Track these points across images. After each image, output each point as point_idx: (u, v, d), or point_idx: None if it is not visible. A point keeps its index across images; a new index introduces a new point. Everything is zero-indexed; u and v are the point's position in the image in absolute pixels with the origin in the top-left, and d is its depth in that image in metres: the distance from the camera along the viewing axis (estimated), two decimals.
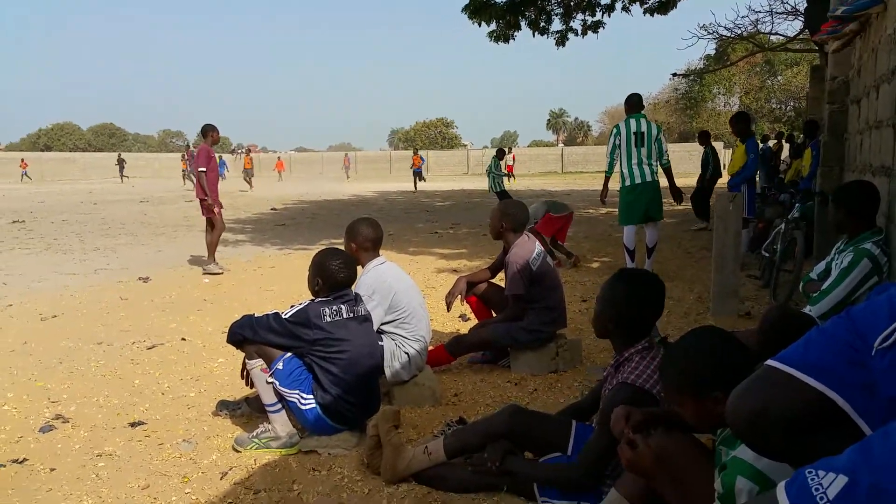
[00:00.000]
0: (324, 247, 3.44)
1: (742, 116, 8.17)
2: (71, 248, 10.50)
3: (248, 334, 3.08)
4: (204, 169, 8.03)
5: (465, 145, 74.36)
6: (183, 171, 32.99)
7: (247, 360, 3.14)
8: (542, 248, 4.23)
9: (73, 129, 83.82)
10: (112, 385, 4.13)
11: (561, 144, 72.79)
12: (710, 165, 11.39)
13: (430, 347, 4.06)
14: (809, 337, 1.46)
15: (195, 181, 8.34)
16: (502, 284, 4.34)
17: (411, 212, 17.13)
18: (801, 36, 16.91)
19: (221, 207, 8.37)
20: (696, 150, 46.33)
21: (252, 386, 3.20)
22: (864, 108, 4.93)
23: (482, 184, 31.63)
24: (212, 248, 8.23)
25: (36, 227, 13.71)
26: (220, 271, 8.09)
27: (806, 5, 7.89)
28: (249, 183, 30.49)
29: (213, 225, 8.28)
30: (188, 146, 34.11)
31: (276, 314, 3.07)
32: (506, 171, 31.19)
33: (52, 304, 6.39)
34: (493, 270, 4.52)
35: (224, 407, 3.60)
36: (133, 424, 3.50)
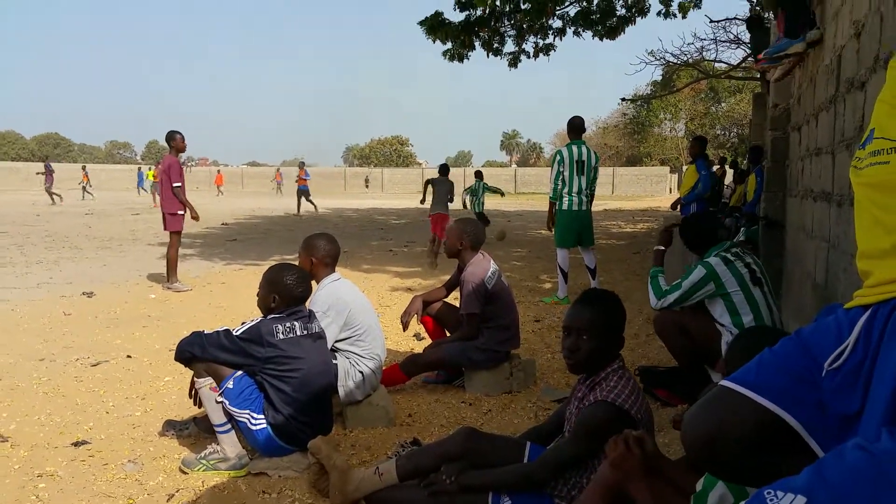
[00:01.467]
0: (275, 262, 3.40)
1: (699, 139, 8.75)
2: (12, 261, 10.07)
3: (197, 352, 3.00)
4: (179, 184, 7.83)
5: (420, 163, 74.55)
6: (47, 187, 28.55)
7: (195, 379, 3.06)
8: (497, 267, 4.27)
9: (15, 138, 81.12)
10: (54, 403, 3.97)
11: (514, 165, 73.73)
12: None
13: (385, 367, 4.04)
14: (762, 357, 1.49)
15: (161, 195, 8.05)
16: (457, 303, 4.35)
17: (366, 229, 17.07)
18: (743, 64, 17.55)
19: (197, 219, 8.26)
20: (643, 173, 47.72)
21: (200, 405, 3.12)
22: (804, 135, 5.12)
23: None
24: (173, 264, 7.93)
25: None
26: (188, 288, 7.85)
27: (749, 36, 8.23)
28: (155, 198, 27.36)
29: (174, 241, 7.99)
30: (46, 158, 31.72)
31: (227, 331, 3.00)
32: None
33: None
34: (449, 288, 4.52)
35: (171, 427, 3.50)
36: (76, 444, 3.36)
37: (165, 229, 8.01)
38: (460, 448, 2.53)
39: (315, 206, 23.32)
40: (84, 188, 31.52)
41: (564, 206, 6.91)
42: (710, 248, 3.80)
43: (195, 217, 8.05)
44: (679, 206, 8.99)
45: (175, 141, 7.91)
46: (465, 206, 15.03)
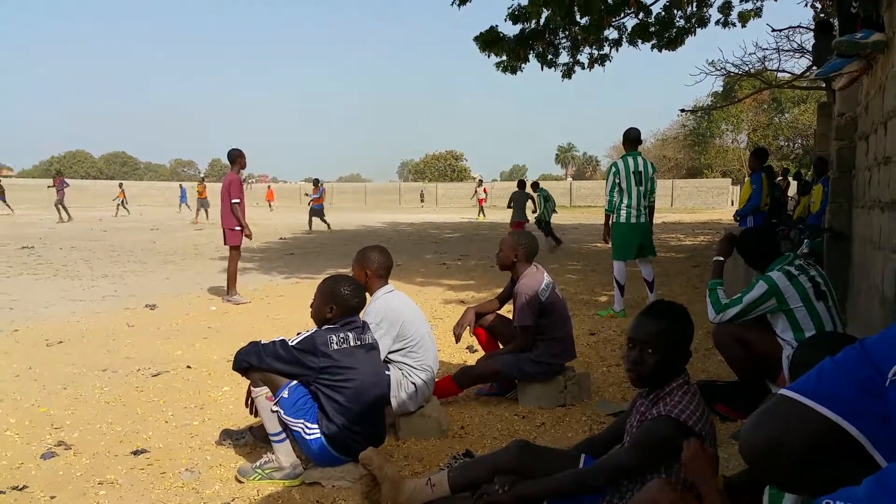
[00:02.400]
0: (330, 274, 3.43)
1: (757, 153, 8.56)
2: (79, 275, 10.52)
3: (254, 361, 3.05)
4: (238, 200, 8.06)
5: (475, 177, 74.78)
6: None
7: (252, 388, 3.11)
8: (551, 280, 4.21)
9: (84, 157, 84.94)
10: (115, 412, 4.09)
11: (570, 178, 73.18)
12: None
13: (437, 378, 4.02)
14: (823, 367, 1.44)
15: (222, 211, 8.19)
16: (510, 316, 4.31)
17: (420, 243, 17.16)
18: (807, 73, 17.02)
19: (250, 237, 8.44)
20: (703, 185, 46.67)
21: (256, 414, 3.16)
22: (871, 144, 4.92)
23: (491, 216, 31.78)
24: (233, 278, 8.16)
25: (45, 254, 13.76)
26: (248, 301, 8.06)
27: (813, 42, 7.99)
28: (197, 214, 27.12)
29: (234, 255, 8.23)
30: (57, 173, 29.22)
31: (283, 341, 3.04)
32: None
33: (59, 330, 6.37)
34: (502, 301, 4.49)
35: (227, 436, 3.56)
36: (135, 452, 3.45)
37: (225, 244, 8.27)
38: (513, 460, 2.48)
39: (328, 225, 21.86)
40: (120, 204, 32.02)
41: (622, 219, 6.81)
42: (770, 262, 3.69)
43: (248, 235, 8.23)
44: (738, 220, 8.79)
45: (238, 158, 8.16)
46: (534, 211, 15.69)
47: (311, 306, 3.24)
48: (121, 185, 36.54)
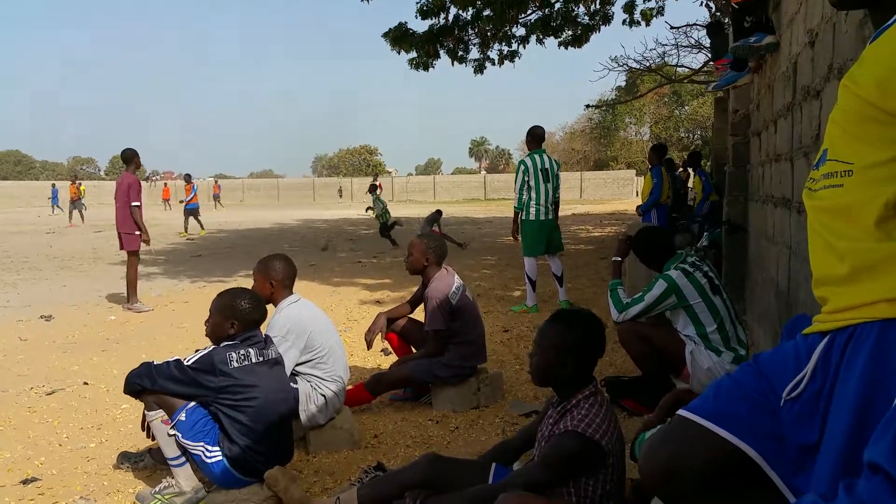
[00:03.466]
0: (242, 280, 3.30)
1: (657, 148, 8.90)
2: None
3: (147, 384, 2.88)
4: (138, 203, 7.67)
5: (390, 172, 74.44)
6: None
7: (146, 412, 2.94)
8: (461, 282, 4.21)
9: None
10: (5, 437, 3.81)
11: (483, 172, 74.02)
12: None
13: (350, 386, 3.95)
14: (719, 385, 1.45)
15: (118, 213, 7.74)
16: (422, 319, 4.29)
17: (334, 241, 16.91)
18: (705, 68, 17.81)
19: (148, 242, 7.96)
20: (610, 177, 48.26)
21: (153, 438, 3.00)
22: (764, 140, 5.17)
23: (406, 211, 31.49)
24: (133, 284, 7.76)
25: None
26: (149, 309, 7.68)
27: (710, 41, 8.37)
28: (70, 216, 24.94)
29: (133, 261, 7.82)
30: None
31: (178, 361, 2.89)
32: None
33: None
34: (413, 304, 4.46)
35: (126, 459, 3.36)
36: (25, 482, 3.21)
37: (122, 248, 7.87)
38: (423, 474, 2.45)
39: (202, 227, 19.74)
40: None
41: (532, 216, 6.91)
42: (665, 261, 3.83)
43: (146, 241, 7.82)
44: (641, 214, 9.11)
45: (133, 158, 7.80)
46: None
47: (207, 323, 3.08)
48: None
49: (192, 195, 19.42)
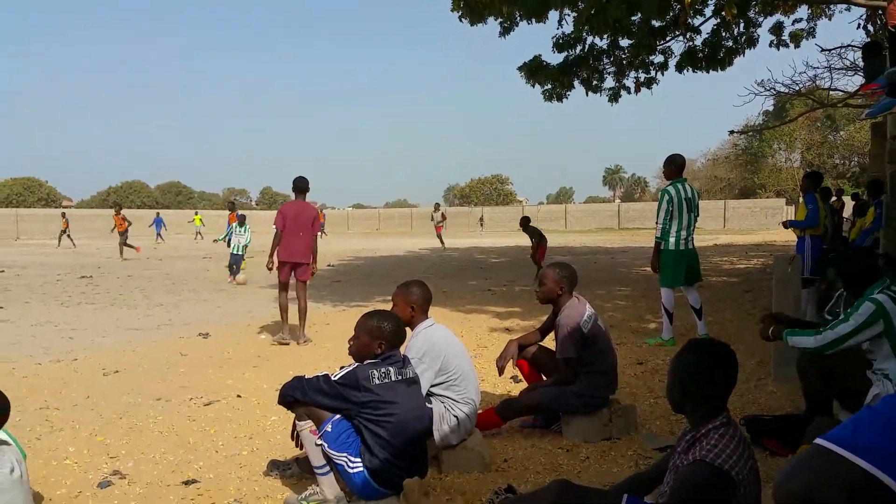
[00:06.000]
0: (378, 304, 3.50)
1: (811, 175, 8.40)
2: (135, 304, 10.90)
3: (299, 395, 3.13)
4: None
5: (521, 201, 74.68)
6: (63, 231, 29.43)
7: (297, 422, 3.18)
8: (593, 311, 4.18)
9: (140, 187, 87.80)
10: (169, 441, 4.22)
11: (618, 200, 72.46)
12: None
13: (480, 410, 4.02)
14: (860, 417, 1.42)
15: (309, 244, 7.38)
16: (552, 347, 4.29)
17: (465, 268, 17.20)
18: (860, 92, 16.56)
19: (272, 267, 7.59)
20: (757, 206, 45.63)
21: (302, 447, 3.23)
22: None
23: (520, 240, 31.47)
24: (303, 313, 7.58)
25: (102, 283, 14.30)
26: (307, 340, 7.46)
27: (863, 64, 7.81)
28: (122, 250, 22.00)
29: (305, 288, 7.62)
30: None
31: (326, 376, 3.12)
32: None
33: (115, 360, 6.61)
34: (543, 332, 4.48)
35: (275, 467, 3.63)
36: (186, 482, 3.55)
37: (300, 279, 7.56)
38: (554, 499, 2.46)
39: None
40: (63, 234, 30.30)
41: (671, 246, 6.74)
42: (869, 286, 3.50)
43: (269, 267, 7.59)
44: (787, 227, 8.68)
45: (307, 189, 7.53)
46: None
47: (351, 342, 3.29)
48: (63, 214, 33.23)
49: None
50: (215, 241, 14.56)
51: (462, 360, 3.77)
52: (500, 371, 4.35)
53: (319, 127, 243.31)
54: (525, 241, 16.57)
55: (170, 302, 11.14)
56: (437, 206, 29.23)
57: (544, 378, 4.41)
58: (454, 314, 9.13)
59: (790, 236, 9.41)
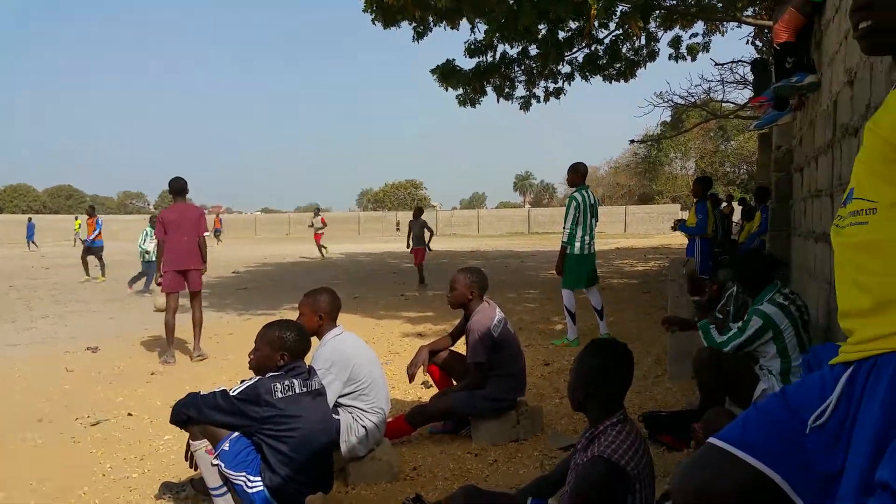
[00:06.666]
0: (286, 313, 3.36)
1: (701, 180, 8.85)
2: (17, 317, 10.11)
3: (193, 414, 2.92)
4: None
5: (435, 206, 75.06)
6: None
7: (191, 441, 2.98)
8: (503, 315, 4.19)
9: (27, 191, 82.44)
10: (49, 466, 3.89)
11: (528, 206, 74.08)
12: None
13: (390, 418, 3.94)
14: (747, 415, 1.52)
15: (195, 247, 6.91)
16: (464, 351, 4.27)
17: (378, 273, 17.06)
18: (750, 104, 17.65)
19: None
20: (655, 211, 47.79)
21: (196, 468, 3.03)
22: (806, 176, 5.11)
23: (451, 244, 31.74)
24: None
25: None
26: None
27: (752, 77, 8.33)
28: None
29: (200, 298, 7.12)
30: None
31: (224, 391, 2.93)
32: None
33: None
34: (454, 337, 4.46)
35: (167, 489, 3.41)
36: None
37: (193, 288, 7.08)
38: None
39: (103, 271, 16.37)
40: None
41: (577, 251, 6.92)
42: (763, 287, 3.77)
43: (158, 283, 7.06)
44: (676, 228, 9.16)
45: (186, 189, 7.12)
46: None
47: (252, 355, 3.12)
48: None
49: (96, 232, 15.87)
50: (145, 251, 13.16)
51: (372, 368, 3.67)
52: (411, 378, 4.29)
53: (224, 129, 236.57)
54: (438, 245, 16.55)
55: (55, 313, 10.41)
56: (316, 211, 26.20)
57: (455, 383, 4.38)
58: (366, 320, 9.00)
59: (685, 240, 9.86)
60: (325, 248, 23.97)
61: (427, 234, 14.54)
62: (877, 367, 1.28)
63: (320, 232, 24.00)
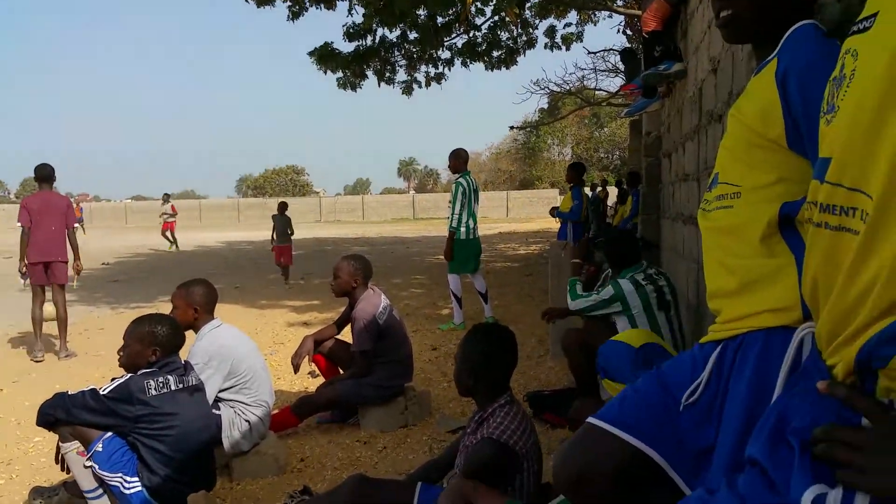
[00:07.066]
0: (161, 305, 3.23)
1: (575, 166, 9.18)
2: None
3: (61, 415, 2.77)
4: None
5: (318, 192, 73.56)
6: None
7: (60, 443, 2.83)
8: (388, 302, 4.23)
9: None
10: None
11: (412, 191, 74.22)
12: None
13: (276, 410, 3.89)
14: (624, 394, 1.54)
15: (62, 238, 6.55)
16: (349, 340, 4.28)
17: (260, 261, 16.58)
18: (621, 92, 18.55)
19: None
20: (535, 196, 49.32)
21: (69, 470, 2.88)
22: (674, 161, 5.45)
23: (336, 231, 31.28)
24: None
25: None
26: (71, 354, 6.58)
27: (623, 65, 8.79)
28: None
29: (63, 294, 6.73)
30: None
31: (94, 390, 2.79)
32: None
33: None
34: (339, 326, 4.45)
35: (38, 495, 3.20)
36: None
37: (53, 281, 6.67)
38: (349, 497, 2.45)
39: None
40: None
41: (463, 236, 7.03)
42: (627, 267, 3.92)
43: (21, 270, 6.58)
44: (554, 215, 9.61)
45: (53, 176, 6.61)
46: None
47: (121, 352, 2.99)
48: None
49: None
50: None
51: (253, 360, 3.61)
52: (296, 368, 4.25)
53: (93, 112, 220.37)
54: (323, 231, 16.02)
55: None
56: (165, 198, 23.07)
57: (342, 372, 4.38)
58: (249, 311, 8.74)
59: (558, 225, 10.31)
60: (174, 240, 21.42)
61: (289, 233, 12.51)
62: (743, 345, 1.34)
63: (171, 220, 21.67)
